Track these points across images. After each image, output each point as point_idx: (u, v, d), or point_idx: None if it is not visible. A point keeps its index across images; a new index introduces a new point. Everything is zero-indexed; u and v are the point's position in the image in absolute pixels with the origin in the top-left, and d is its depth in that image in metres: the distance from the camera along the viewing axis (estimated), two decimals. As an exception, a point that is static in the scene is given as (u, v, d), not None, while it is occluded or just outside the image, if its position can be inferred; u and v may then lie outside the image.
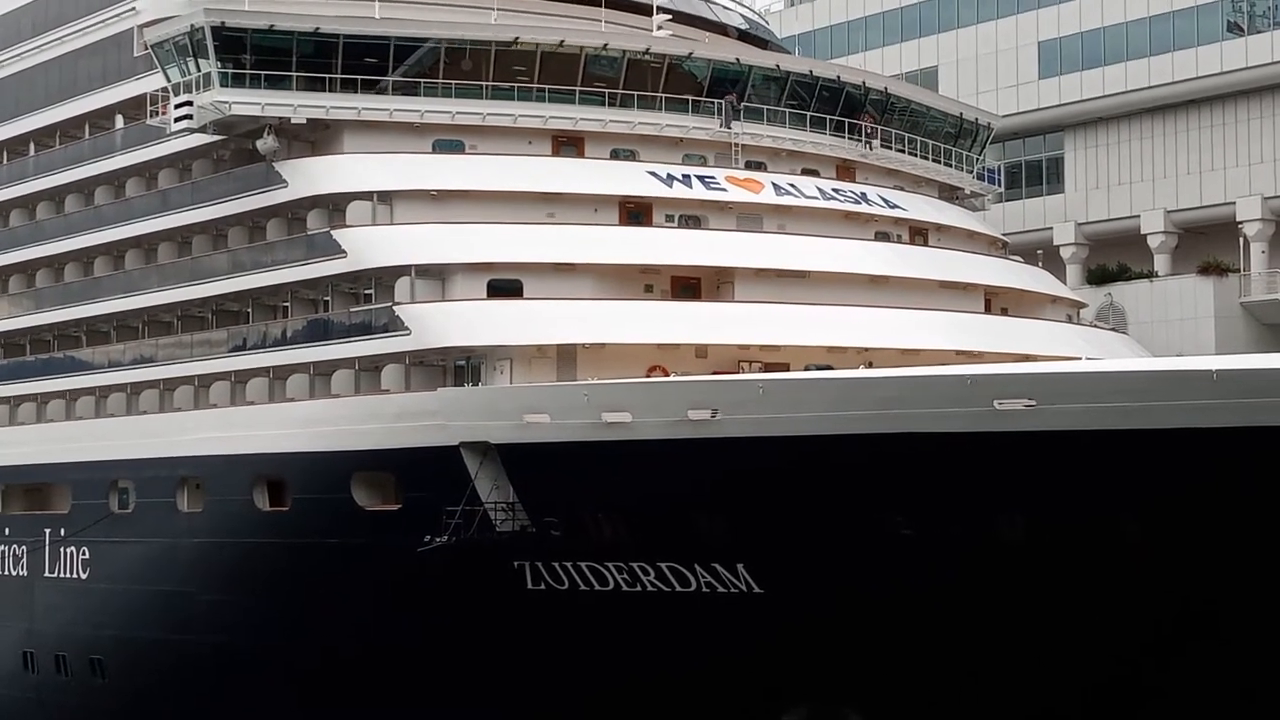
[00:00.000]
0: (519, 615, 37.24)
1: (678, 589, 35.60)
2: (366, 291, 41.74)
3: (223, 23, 42.00)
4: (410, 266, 40.11)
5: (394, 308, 40.03)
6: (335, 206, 42.24)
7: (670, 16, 48.48)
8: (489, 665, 37.91)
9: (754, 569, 34.81)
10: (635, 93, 44.17)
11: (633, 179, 43.15)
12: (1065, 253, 68.03)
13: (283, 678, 41.36)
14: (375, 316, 40.73)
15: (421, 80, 42.86)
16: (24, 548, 49.25)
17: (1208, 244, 64.09)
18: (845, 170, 47.80)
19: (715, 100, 45.19)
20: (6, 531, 50.35)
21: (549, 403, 36.53)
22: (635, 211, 42.82)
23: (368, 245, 41.02)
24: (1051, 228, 68.78)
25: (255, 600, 41.64)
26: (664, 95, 44.44)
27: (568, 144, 44.00)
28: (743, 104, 45.44)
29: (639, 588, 35.91)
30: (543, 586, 36.91)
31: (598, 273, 40.82)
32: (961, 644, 33.24)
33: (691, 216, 43.40)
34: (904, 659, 34.02)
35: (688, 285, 41.96)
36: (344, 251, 41.14)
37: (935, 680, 33.98)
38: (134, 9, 47.38)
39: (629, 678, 36.49)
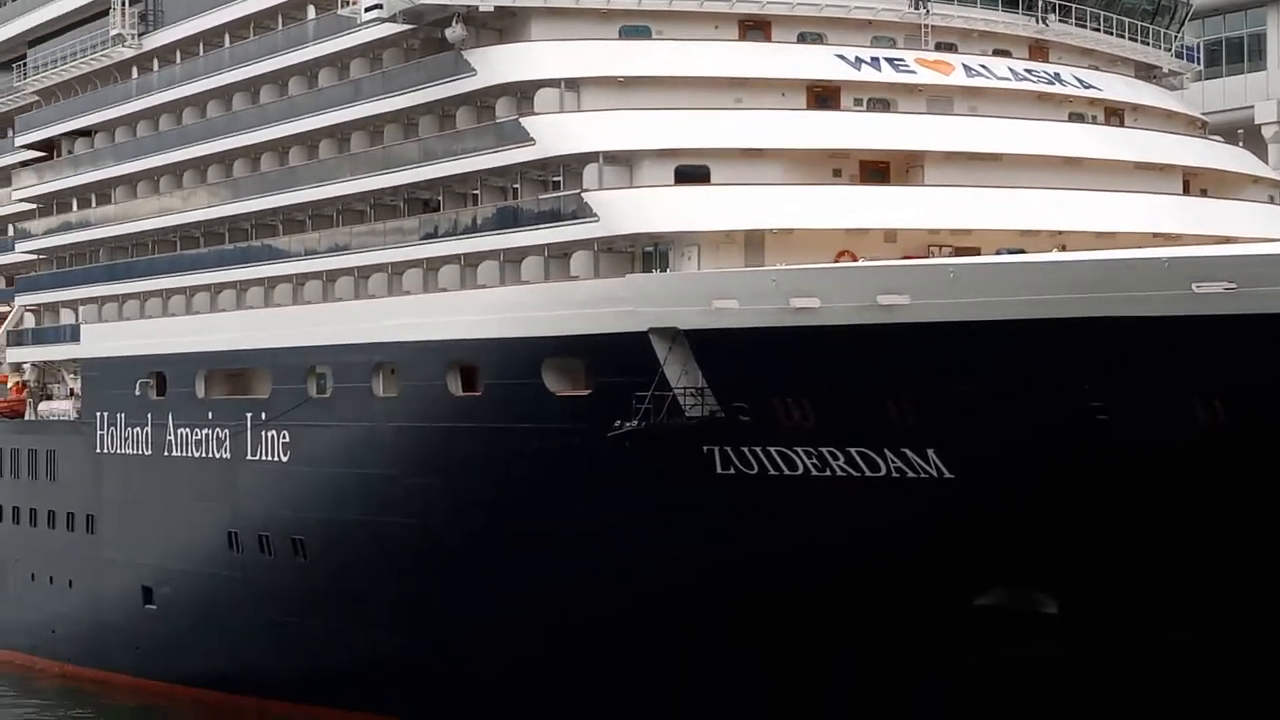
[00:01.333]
0: (708, 500, 37.39)
1: (867, 474, 35.51)
2: (555, 179, 41.71)
3: (408, -88, 42.03)
4: (598, 153, 40.01)
5: (582, 195, 40.00)
6: (523, 94, 42.19)
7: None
8: (676, 550, 38.14)
9: (944, 455, 34.57)
10: (824, -26, 43.48)
11: (820, 63, 42.50)
12: (1267, 132, 65.86)
13: (475, 560, 41.88)
14: (563, 204, 40.73)
15: (608, -35, 42.52)
16: (227, 432, 50.22)
17: None
18: (1038, 50, 46.68)
19: (907, -20, 44.36)
20: (210, 416, 51.32)
21: (737, 288, 36.40)
22: (823, 96, 42.23)
23: (556, 133, 40.94)
24: (1253, 106, 66.55)
25: (450, 484, 42.19)
26: (854, -23, 43.69)
27: (754, 28, 43.40)
28: (932, -19, 44.56)
29: (828, 473, 35.87)
30: (731, 471, 36.99)
31: (785, 158, 40.39)
32: (1158, 533, 32.77)
33: (880, 100, 42.68)
34: (1098, 547, 33.63)
35: (877, 170, 41.36)
36: (532, 139, 41.12)
37: (1130, 569, 33.57)
38: (324, -103, 47.49)
39: (817, 563, 36.56)
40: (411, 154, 45.46)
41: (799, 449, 36.03)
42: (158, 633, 53.14)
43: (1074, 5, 47.14)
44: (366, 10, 43.74)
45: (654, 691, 40.14)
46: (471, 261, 43.29)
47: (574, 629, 40.65)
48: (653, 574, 38.60)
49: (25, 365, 64.20)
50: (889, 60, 42.86)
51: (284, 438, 47.86)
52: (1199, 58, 58.44)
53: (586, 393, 38.80)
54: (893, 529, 35.59)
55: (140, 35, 57.67)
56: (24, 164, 66.05)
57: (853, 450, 35.44)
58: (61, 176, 62.38)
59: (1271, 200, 47.71)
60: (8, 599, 61.84)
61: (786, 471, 36.39)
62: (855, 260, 38.01)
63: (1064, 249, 37.97)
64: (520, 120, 41.62)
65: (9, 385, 64.83)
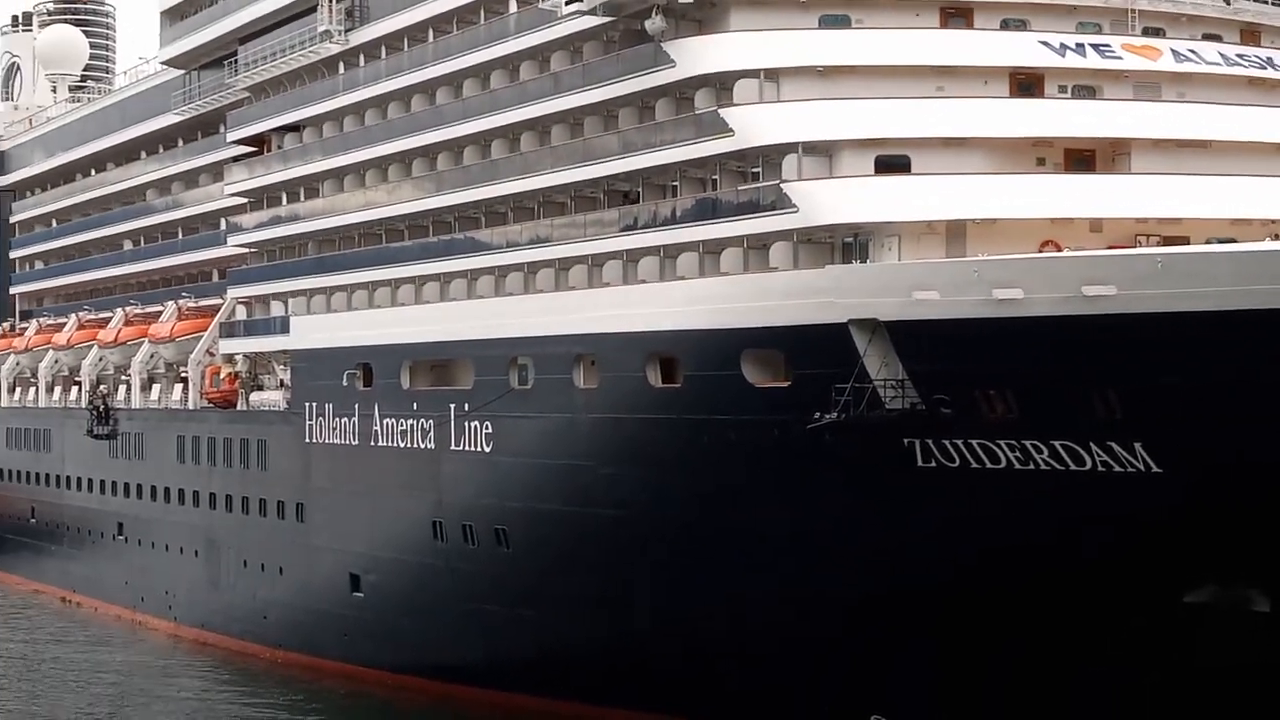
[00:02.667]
0: (909, 492, 37.05)
1: (1072, 467, 34.91)
2: (754, 169, 41.55)
3: (612, -96, 42.07)
4: (797, 144, 39.81)
5: (781, 185, 39.80)
6: (722, 85, 42.03)
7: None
8: (876, 542, 37.82)
9: (1152, 448, 33.87)
10: (1027, -40, 42.72)
11: (1024, 49, 41.74)
12: None
13: (671, 551, 41.85)
14: (763, 194, 40.57)
15: (808, -46, 42.18)
16: (431, 422, 50.66)
17: None
18: (1250, 34, 45.42)
19: (1111, -35, 43.42)
20: (415, 406, 51.81)
21: (938, 279, 35.99)
22: (1026, 83, 41.52)
23: (755, 123, 40.76)
24: None
25: (648, 475, 42.19)
26: (1058, -39, 42.87)
27: (956, 15, 42.72)
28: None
29: (1031, 466, 35.33)
30: (933, 464, 36.59)
31: (988, 146, 39.87)
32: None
33: (1085, 86, 41.88)
34: None
35: (1082, 158, 40.66)
36: (731, 130, 40.96)
37: None
38: (526, -110, 47.74)
39: (1020, 556, 36.06)
40: (611, 146, 45.53)
41: (1002, 442, 35.51)
42: (365, 620, 53.79)
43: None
44: (567, 3, 44.03)
45: (825, 678, 40.00)
46: (671, 253, 43.32)
47: (764, 620, 40.52)
48: (850, 565, 38.31)
49: (237, 356, 65.40)
50: (1094, 46, 42.00)
51: (486, 428, 48.20)
52: None
53: (786, 384, 38.59)
54: (1098, 523, 34.91)
55: (347, 31, 58.43)
56: (235, 159, 67.22)
57: (1057, 443, 34.84)
58: (271, 171, 63.43)
59: None
60: (221, 585, 63.00)
61: (989, 465, 35.89)
62: (1060, 250, 37.50)
63: (1277, 238, 36.98)
64: (719, 111, 41.48)
65: (222, 376, 66.06)
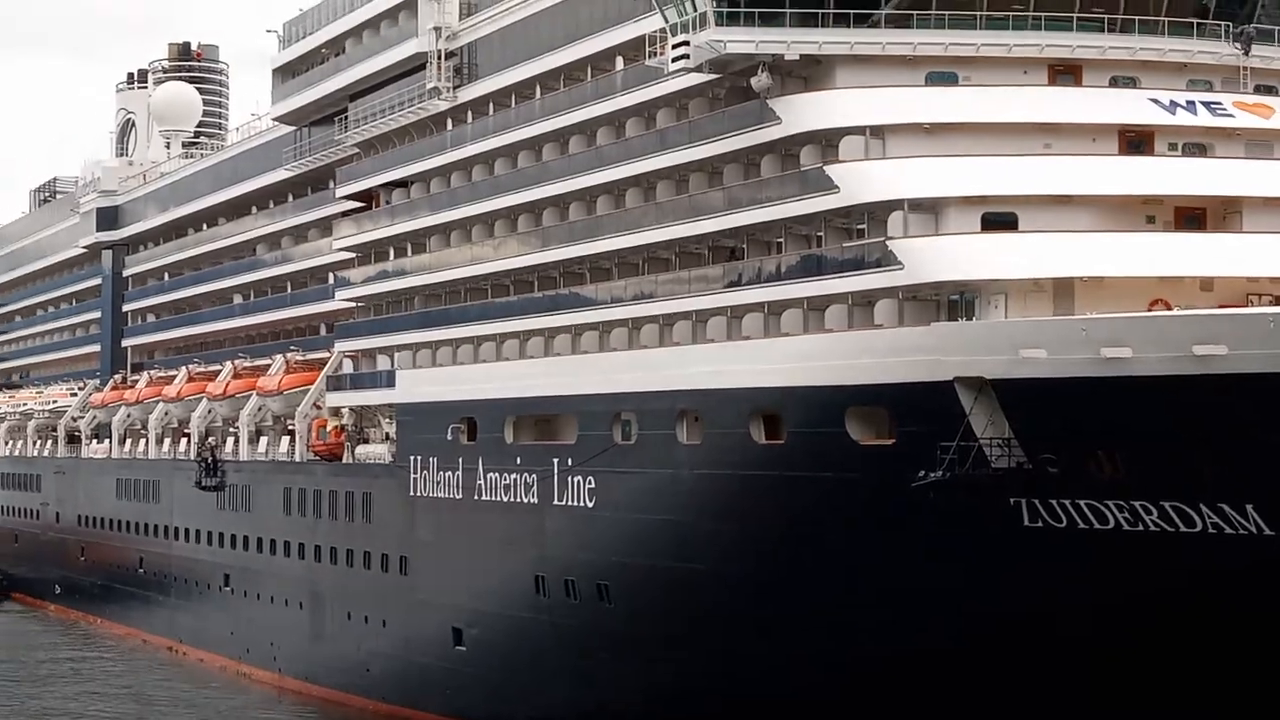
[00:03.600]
0: (1015, 552, 36.56)
1: (1182, 529, 34.39)
2: (859, 226, 41.35)
3: (718, -38, 42.10)
4: (903, 201, 39.60)
5: (887, 242, 39.59)
6: (828, 142, 41.94)
7: (1173, -64, 46.29)
8: (980, 601, 37.34)
9: (1265, 510, 33.29)
10: (1136, 17, 42.25)
11: (1133, 107, 41.43)
12: None
13: (774, 607, 41.55)
14: (868, 251, 40.36)
15: (914, 12, 41.95)
16: (534, 476, 50.63)
17: None
18: (1368, 92, 44.88)
19: (1221, 22, 42.92)
20: (518, 461, 51.79)
21: (1045, 337, 35.62)
22: (1136, 140, 41.21)
23: (860, 180, 40.59)
24: None
25: (751, 531, 41.92)
26: (1166, 19, 42.40)
27: (1064, 73, 42.52)
28: (1252, 24, 43.03)
29: (1140, 527, 34.84)
30: (1040, 524, 36.14)
31: (1096, 204, 39.55)
32: None
33: (1196, 144, 41.46)
34: None
35: (1192, 216, 40.18)
36: (836, 187, 40.82)
37: None
38: (635, -46, 47.87)
39: (1127, 618, 35.55)
40: (716, 202, 45.48)
41: (1110, 503, 35.04)
42: (467, 673, 53.70)
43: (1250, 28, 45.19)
44: (673, 61, 44.03)
45: None
46: (775, 309, 43.15)
47: (863, 676, 40.13)
48: (952, 625, 37.86)
49: (343, 410, 65.79)
50: (1205, 104, 41.66)
51: (589, 483, 48.09)
52: None
53: (890, 442, 38.21)
54: (1207, 586, 34.30)
55: (455, 88, 58.94)
56: (343, 214, 67.89)
57: (1166, 505, 34.33)
58: (379, 226, 63.93)
59: None
60: (325, 637, 63.21)
61: (1097, 526, 35.41)
62: (1169, 309, 36.99)
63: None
64: (824, 168, 41.36)
65: (328, 429, 66.45)
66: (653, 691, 45.59)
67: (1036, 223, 39.22)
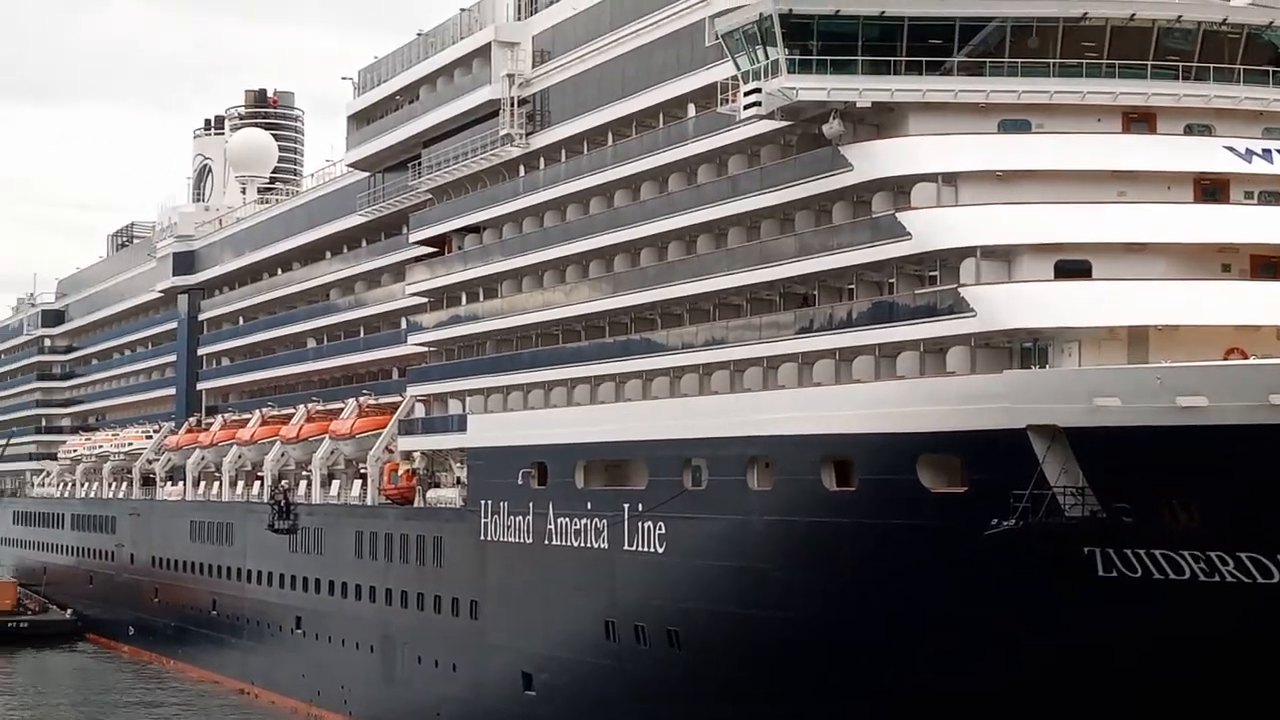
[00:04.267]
0: (1088, 602, 36.28)
1: (1259, 580, 34.10)
2: (931, 273, 41.23)
3: (790, 10, 42.03)
4: (976, 248, 39.53)
5: (959, 289, 39.48)
6: (900, 189, 41.88)
7: (1253, -16, 46.02)
8: (1053, 650, 37.08)
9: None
10: (1211, 65, 42.03)
11: (1208, 155, 41.16)
12: None
13: (845, 654, 41.32)
14: (940, 298, 40.22)
15: (986, 60, 41.89)
16: (604, 522, 50.58)
17: None
18: None
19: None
20: (589, 506, 51.75)
21: (1120, 386, 35.40)
22: (1211, 188, 40.93)
23: (932, 227, 40.50)
24: None
25: (822, 578, 41.72)
26: (1241, 67, 42.15)
27: (1138, 120, 42.29)
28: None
29: (1217, 578, 34.56)
30: (1114, 574, 35.91)
31: (1171, 252, 39.33)
32: None
33: (1272, 193, 41.19)
34: None
35: (1268, 264, 39.90)
36: (909, 233, 40.74)
37: None
38: (708, 2, 47.92)
39: (1202, 668, 35.21)
40: (788, 249, 45.41)
41: (1185, 553, 34.78)
42: (538, 719, 53.57)
43: None
44: (745, 108, 44.10)
45: None
46: (846, 356, 43.03)
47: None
48: (1025, 673, 37.58)
49: (415, 454, 65.94)
50: (1282, 151, 41.44)
51: (660, 529, 48.00)
52: None
53: (962, 490, 38.06)
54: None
55: (527, 135, 59.14)
56: (416, 259, 68.16)
57: (1244, 556, 34.04)
58: (451, 272, 64.16)
59: None
60: (396, 680, 63.21)
61: (1172, 576, 35.11)
62: (1245, 358, 36.70)
63: None
64: (897, 214, 41.30)
65: (400, 473, 66.62)
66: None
67: (1110, 270, 39.05)
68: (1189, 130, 42.25)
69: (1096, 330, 38.14)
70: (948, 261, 40.39)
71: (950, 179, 41.04)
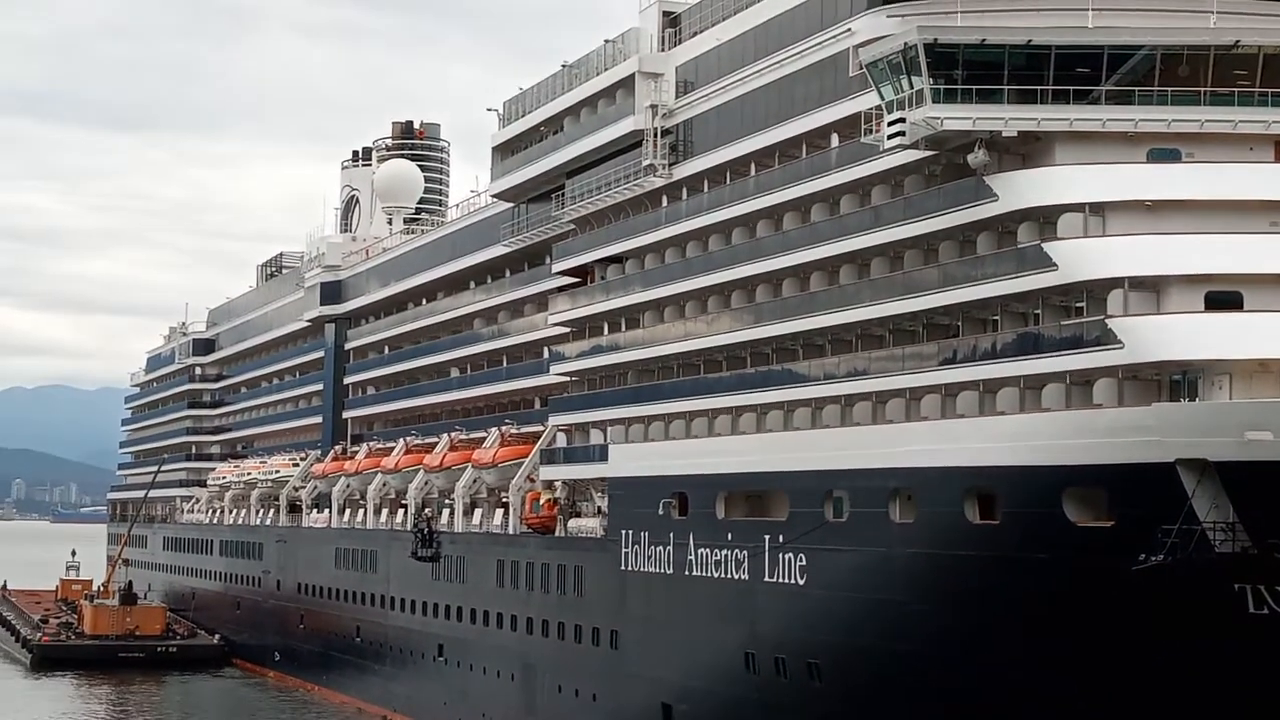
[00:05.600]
0: (1239, 640, 35.73)
1: None
2: (1077, 304, 40.91)
3: (935, 39, 41.97)
4: (1124, 279, 39.21)
5: (1106, 320, 39.13)
6: (1045, 219, 41.61)
7: None
8: (1204, 690, 36.51)
9: None
10: (1366, 93, 41.44)
11: (1363, 185, 40.52)
12: None
13: (990, 689, 40.97)
14: (1086, 330, 39.87)
15: (1135, 88, 41.61)
16: (745, 552, 50.53)
17: None
18: None
19: None
20: (729, 536, 51.68)
21: (1273, 419, 34.92)
22: (1368, 219, 40.23)
23: (1079, 257, 40.15)
24: None
25: (966, 612, 41.39)
26: (1398, 93, 41.48)
27: (1292, 150, 41.78)
28: None
29: (1372, 616, 33.69)
30: (1265, 611, 35.34)
31: (1325, 284, 38.62)
32: None
33: None
34: None
35: None
36: (1055, 264, 40.42)
37: None
38: (850, 30, 47.84)
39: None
40: (931, 279, 45.18)
41: (1340, 589, 34.09)
42: (676, 750, 53.65)
43: None
44: (889, 138, 44.03)
45: None
46: (990, 388, 42.74)
47: None
48: (1172, 709, 37.08)
49: (557, 483, 66.19)
50: None
51: (800, 560, 47.84)
52: None
53: (1109, 524, 37.61)
54: None
55: (670, 165, 59.34)
56: (559, 290, 68.53)
57: None
58: (593, 301, 64.43)
59: None
60: (537, 709, 63.47)
61: None
62: (1405, 390, 35.99)
63: None
64: (1043, 245, 41.00)
65: (541, 502, 66.88)
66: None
67: (1263, 302, 38.54)
68: (1344, 159, 41.67)
69: (1248, 363, 37.61)
70: (1095, 292, 40.06)
71: (1098, 209, 40.74)
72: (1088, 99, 41.69)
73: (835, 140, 49.73)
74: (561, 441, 66.99)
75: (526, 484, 69.05)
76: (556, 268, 68.30)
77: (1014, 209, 42.19)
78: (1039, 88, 41.73)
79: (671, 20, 60.32)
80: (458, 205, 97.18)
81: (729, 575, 51.29)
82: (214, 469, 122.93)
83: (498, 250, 76.89)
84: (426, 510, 77.52)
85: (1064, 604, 38.63)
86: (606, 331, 63.91)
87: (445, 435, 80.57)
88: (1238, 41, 41.47)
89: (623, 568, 57.52)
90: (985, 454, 41.07)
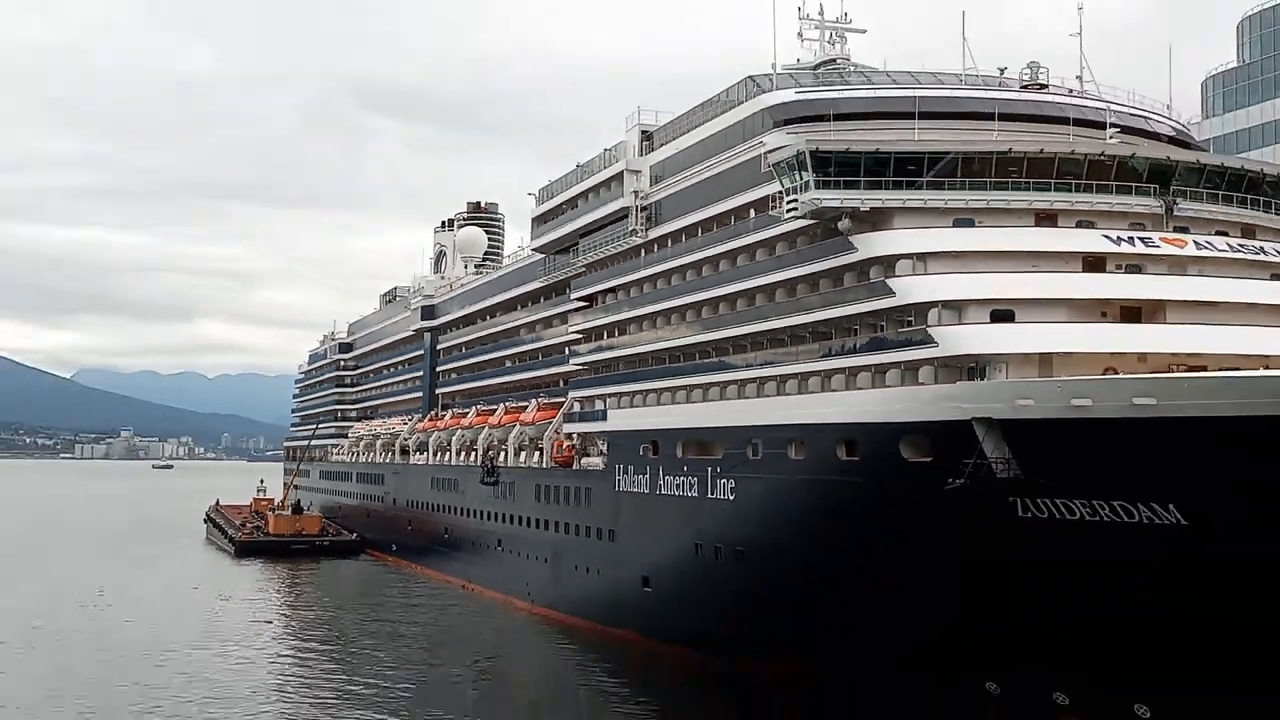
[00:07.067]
0: (1010, 535, 35.73)
1: (1124, 520, 33.38)
2: (908, 319, 40.83)
3: (817, 148, 42.07)
4: (938, 302, 39.20)
5: (927, 329, 39.18)
6: (888, 264, 41.60)
7: (1118, 129, 45.34)
8: (990, 562, 36.43)
9: (1182, 507, 32.25)
10: (1094, 181, 41.56)
11: (1092, 241, 40.62)
12: None
13: (853, 565, 40.90)
14: (914, 335, 39.89)
15: (945, 179, 41.64)
16: (694, 479, 50.46)
17: None
18: (1248, 231, 43.51)
19: (1151, 185, 41.95)
20: (685, 469, 51.65)
21: (1034, 392, 34.95)
22: (1093, 263, 40.33)
23: (909, 289, 40.21)
24: None
25: (835, 518, 41.33)
26: (1115, 183, 41.60)
27: (1045, 218, 41.80)
28: (1174, 186, 42.00)
29: (1098, 518, 33.87)
30: (1029, 515, 35.32)
31: (1068, 305, 38.78)
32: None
33: (1135, 265, 40.52)
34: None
35: (1132, 312, 39.22)
36: (894, 293, 40.45)
37: None
38: (762, 142, 47.88)
39: (1080, 583, 34.52)
40: (815, 303, 45.21)
41: (1076, 501, 34.19)
42: (651, 607, 53.55)
43: (1276, 199, 43.89)
44: (787, 212, 44.04)
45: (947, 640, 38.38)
46: (853, 373, 42.79)
47: (899, 605, 39.10)
48: (965, 576, 37.11)
49: (574, 435, 66.08)
50: (1141, 239, 40.81)
51: (730, 484, 47.82)
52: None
53: (929, 459, 37.59)
54: (1142, 557, 33.25)
55: (647, 229, 59.21)
56: (576, 310, 68.43)
57: (1115, 503, 33.41)
58: (598, 318, 64.30)
59: None
60: (561, 581, 63.35)
61: (1067, 516, 34.50)
62: (1117, 374, 36.08)
63: (1267, 368, 35.06)
64: (886, 280, 41.03)
65: (564, 447, 66.76)
66: (766, 613, 45.11)
67: (1027, 317, 38.56)
68: (1079, 224, 41.69)
69: (1017, 355, 37.60)
70: (919, 311, 40.02)
71: (921, 257, 40.72)
72: (914, 186, 41.70)
73: (753, 213, 49.69)
74: (577, 408, 66.91)
75: (554, 435, 69.00)
76: (574, 296, 68.10)
77: (867, 258, 42.17)
78: (883, 178, 41.73)
79: (647, 136, 60.23)
80: (509, 255, 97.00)
81: (685, 494, 51.28)
82: (352, 427, 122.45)
83: (536, 284, 76.64)
84: (490, 453, 77.39)
85: (900, 511, 38.55)
86: (606, 337, 63.83)
87: (501, 405, 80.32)
88: (1010, 149, 41.54)
89: (616, 489, 57.42)
90: (849, 414, 41.11)
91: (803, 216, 43.86)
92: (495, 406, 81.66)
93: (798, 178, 43.01)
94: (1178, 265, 40.50)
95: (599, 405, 63.27)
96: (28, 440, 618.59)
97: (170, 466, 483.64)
